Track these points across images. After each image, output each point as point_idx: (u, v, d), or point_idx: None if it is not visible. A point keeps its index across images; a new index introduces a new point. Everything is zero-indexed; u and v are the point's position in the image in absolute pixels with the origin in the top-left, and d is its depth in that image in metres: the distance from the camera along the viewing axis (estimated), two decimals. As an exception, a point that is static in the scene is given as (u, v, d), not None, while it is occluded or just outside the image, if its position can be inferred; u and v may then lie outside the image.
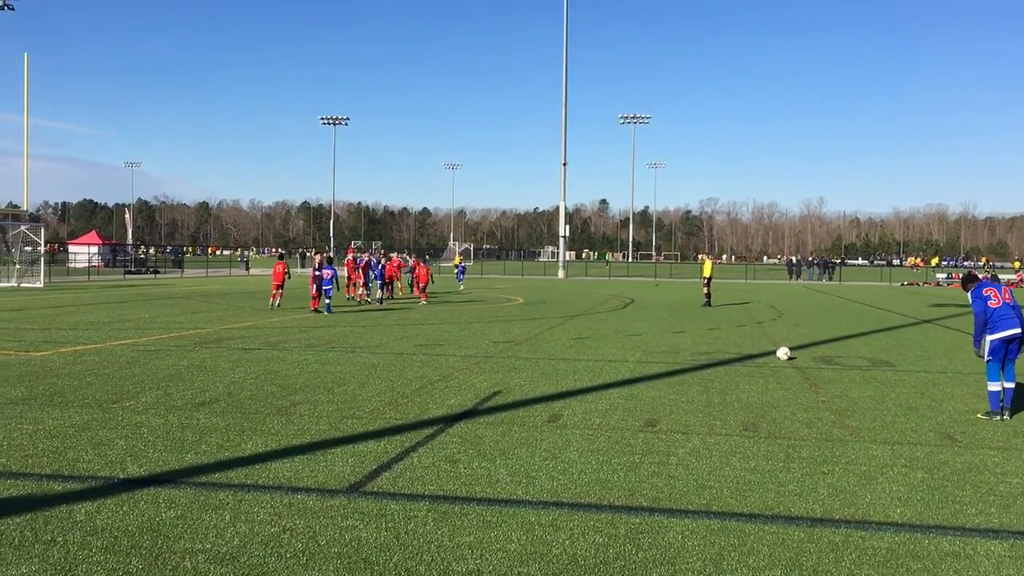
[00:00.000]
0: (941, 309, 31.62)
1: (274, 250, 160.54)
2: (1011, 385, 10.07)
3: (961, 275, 10.75)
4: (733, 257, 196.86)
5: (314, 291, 25.65)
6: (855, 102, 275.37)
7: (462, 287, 44.05)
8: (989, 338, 9.88)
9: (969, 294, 10.11)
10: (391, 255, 37.81)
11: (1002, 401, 9.92)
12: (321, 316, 23.66)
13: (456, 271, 48.00)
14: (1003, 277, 64.22)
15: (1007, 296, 9.91)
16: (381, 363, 13.96)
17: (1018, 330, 9.77)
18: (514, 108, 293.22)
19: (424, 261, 35.94)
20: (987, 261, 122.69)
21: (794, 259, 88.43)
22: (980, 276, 10.55)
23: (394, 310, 26.95)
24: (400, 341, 17.41)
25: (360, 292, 30.89)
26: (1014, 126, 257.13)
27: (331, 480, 6.92)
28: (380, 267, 31.24)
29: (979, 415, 10.11)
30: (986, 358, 9.95)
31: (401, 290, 35.99)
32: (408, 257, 41.71)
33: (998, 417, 9.86)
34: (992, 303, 9.84)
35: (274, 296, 26.89)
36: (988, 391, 10.02)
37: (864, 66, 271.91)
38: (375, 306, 28.68)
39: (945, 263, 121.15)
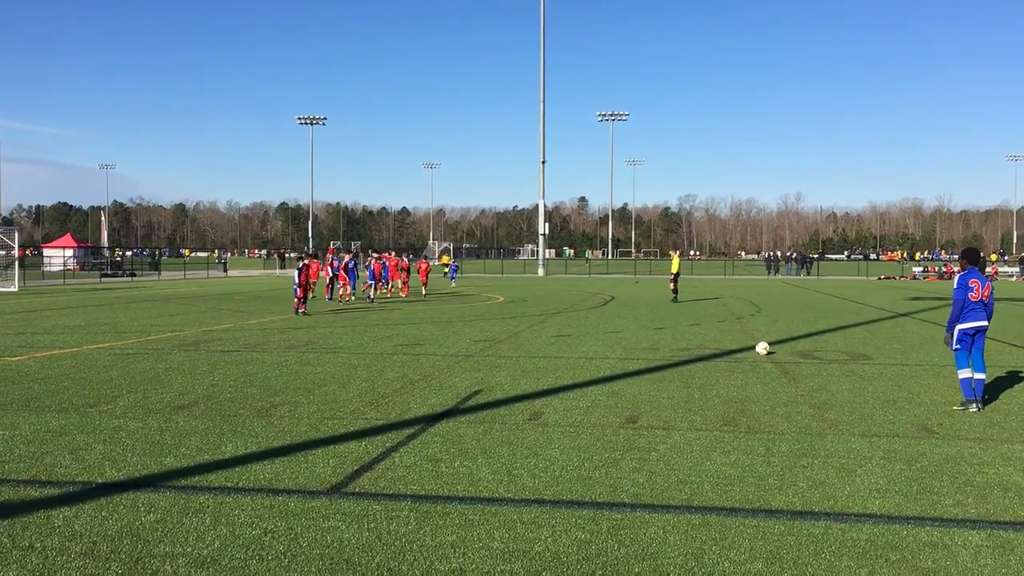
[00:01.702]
0: (917, 303, 31.93)
1: (271, 251, 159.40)
2: (981, 376, 10.26)
3: (962, 249, 10.87)
4: (697, 253, 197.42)
5: (342, 284, 28.23)
6: (831, 98, 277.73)
7: (454, 284, 44.92)
8: (959, 327, 10.17)
9: (956, 279, 10.29)
10: (383, 254, 37.97)
11: (974, 390, 10.10)
12: (300, 318, 23.55)
13: (449, 270, 48.65)
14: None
15: (986, 295, 10.13)
16: (361, 363, 13.92)
17: (985, 323, 10.12)
18: (492, 107, 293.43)
19: (426, 258, 38.06)
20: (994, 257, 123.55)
21: (772, 254, 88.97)
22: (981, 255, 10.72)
23: (371, 311, 26.86)
24: (380, 341, 17.37)
25: (346, 292, 30.83)
26: (988, 120, 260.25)
27: (312, 481, 6.89)
28: (370, 267, 31.68)
29: (955, 407, 10.22)
30: (954, 347, 10.26)
31: (404, 289, 36.16)
32: (407, 256, 41.98)
33: (973, 407, 10.01)
34: (972, 296, 10.07)
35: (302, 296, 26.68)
36: (959, 379, 10.28)
37: (839, 62, 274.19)
38: (358, 305, 28.58)
39: (934, 256, 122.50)
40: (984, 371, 10.36)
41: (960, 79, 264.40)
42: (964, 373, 10.16)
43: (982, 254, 10.52)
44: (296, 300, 24.62)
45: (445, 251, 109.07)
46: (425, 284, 37.27)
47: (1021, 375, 12.95)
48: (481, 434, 8.66)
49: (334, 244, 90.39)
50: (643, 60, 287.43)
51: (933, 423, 9.36)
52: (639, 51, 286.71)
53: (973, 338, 10.19)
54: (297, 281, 24.53)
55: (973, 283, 10.11)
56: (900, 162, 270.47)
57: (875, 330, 20.50)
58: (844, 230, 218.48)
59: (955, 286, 10.24)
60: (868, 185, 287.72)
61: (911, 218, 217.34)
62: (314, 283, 27.60)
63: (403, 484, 6.81)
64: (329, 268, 31.66)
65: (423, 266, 37.93)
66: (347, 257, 31.98)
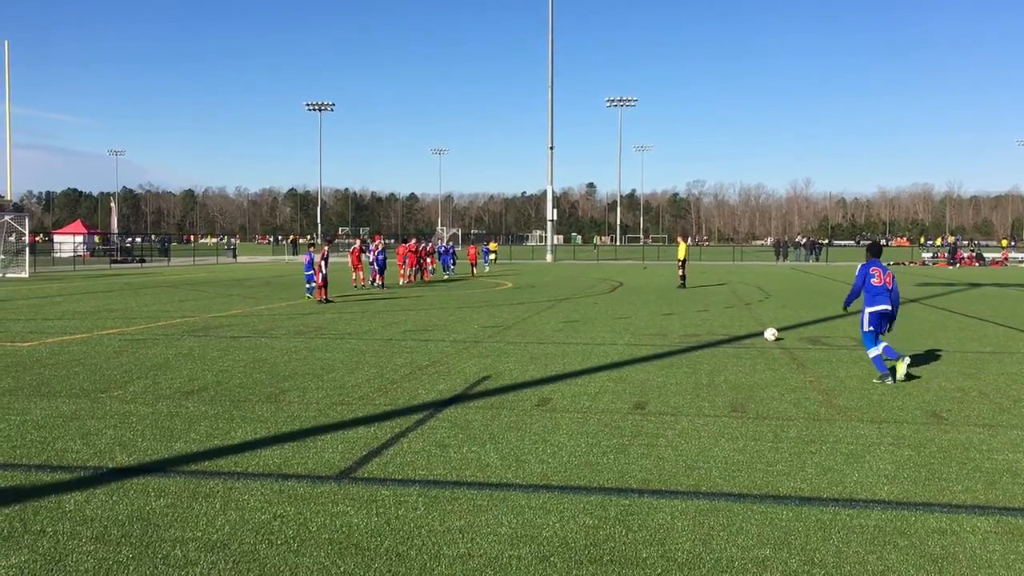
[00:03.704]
0: (927, 288, 31.79)
1: (307, 237, 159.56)
2: (889, 358, 11.09)
3: (869, 243, 12.00)
4: (707, 239, 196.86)
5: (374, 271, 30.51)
6: (841, 83, 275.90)
7: (488, 269, 46.26)
8: (868, 310, 11.16)
9: (859, 268, 11.44)
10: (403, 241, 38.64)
11: (886, 359, 11.07)
12: (310, 303, 23.61)
13: (482, 254, 49.03)
14: (987, 255, 64.69)
15: (888, 280, 11.21)
16: (370, 349, 13.94)
17: (888, 307, 11.11)
18: (501, 93, 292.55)
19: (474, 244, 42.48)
20: (971, 241, 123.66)
21: (781, 240, 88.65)
22: (882, 245, 12.01)
23: (379, 298, 26.91)
24: (389, 327, 17.40)
25: (408, 274, 34.05)
26: (1000, 105, 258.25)
27: (321, 466, 6.92)
28: (382, 254, 32.51)
29: (874, 380, 10.92)
30: (865, 328, 11.22)
31: (424, 275, 36.62)
32: (422, 243, 42.28)
33: (889, 380, 10.80)
34: (874, 281, 11.17)
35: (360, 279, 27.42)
36: (871, 358, 11.18)
37: (850, 47, 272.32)
38: (367, 292, 28.66)
39: (956, 240, 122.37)
40: (889, 345, 11.30)
41: (971, 64, 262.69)
42: (874, 352, 11.09)
43: (882, 248, 11.91)
44: (318, 288, 24.27)
45: (452, 237, 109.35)
46: (474, 266, 43.73)
47: (1031, 361, 12.89)
48: (489, 420, 8.68)
49: (341, 231, 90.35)
50: (652, 45, 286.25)
51: (942, 409, 9.34)
52: (648, 36, 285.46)
53: (880, 321, 11.16)
54: (312, 268, 24.54)
55: (874, 271, 11.22)
56: (910, 147, 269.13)
57: (884, 316, 20.41)
58: (853, 216, 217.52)
59: (856, 274, 11.45)
60: (878, 170, 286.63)
61: (921, 204, 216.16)
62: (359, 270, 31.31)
63: (411, 469, 6.84)
64: (352, 258, 32.35)
65: (472, 250, 45.43)
66: (381, 246, 33.44)
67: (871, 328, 11.11)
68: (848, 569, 4.88)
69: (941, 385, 10.86)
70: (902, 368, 10.85)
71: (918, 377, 11.36)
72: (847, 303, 11.71)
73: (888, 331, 11.34)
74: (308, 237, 73.04)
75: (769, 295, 28.14)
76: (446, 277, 39.60)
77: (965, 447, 7.69)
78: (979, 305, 23.61)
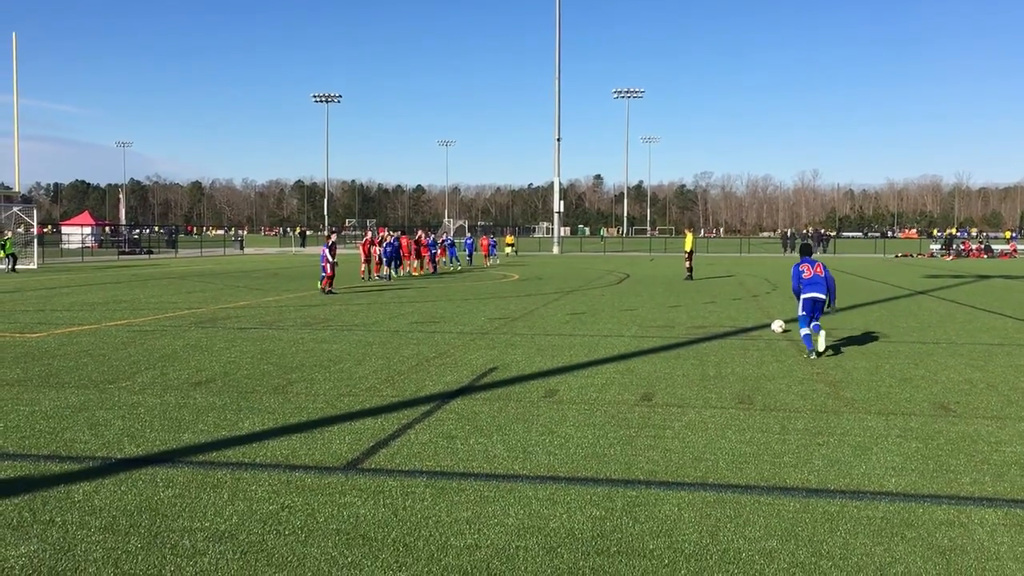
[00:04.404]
0: (935, 280, 31.69)
1: (327, 229, 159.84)
2: (816, 323, 12.69)
3: (800, 244, 14.17)
4: (715, 230, 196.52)
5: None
6: (848, 73, 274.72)
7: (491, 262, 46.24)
8: (802, 297, 12.71)
9: (792, 267, 13.18)
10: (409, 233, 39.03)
11: (812, 332, 12.58)
12: (318, 295, 23.65)
13: (489, 246, 48.78)
14: (996, 248, 64.38)
15: (819, 271, 12.80)
16: (377, 341, 13.96)
17: (820, 294, 12.58)
18: (507, 84, 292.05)
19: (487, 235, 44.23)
20: (980, 232, 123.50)
21: (789, 232, 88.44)
22: (811, 246, 14.14)
23: (386, 289, 26.92)
24: (396, 319, 17.41)
25: (415, 265, 35.06)
26: (1008, 96, 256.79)
27: (329, 458, 6.94)
28: (395, 245, 33.13)
29: (804, 355, 12.41)
30: (799, 312, 12.73)
31: (429, 267, 36.69)
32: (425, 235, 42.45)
33: (813, 355, 12.29)
34: (805, 275, 12.78)
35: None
36: (801, 336, 12.72)
37: (857, 37, 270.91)
38: (374, 285, 28.68)
39: (961, 233, 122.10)
40: (819, 324, 12.76)
41: (979, 54, 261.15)
42: (804, 331, 12.66)
43: (812, 247, 14.17)
44: (326, 278, 24.51)
45: (459, 229, 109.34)
46: (487, 257, 47.37)
47: (1040, 353, 12.85)
48: (496, 411, 8.68)
49: (348, 222, 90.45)
50: (659, 37, 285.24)
51: (950, 401, 9.32)
52: (655, 27, 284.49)
53: (813, 305, 12.64)
54: (328, 259, 24.67)
55: (803, 267, 12.91)
56: (918, 139, 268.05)
57: (892, 308, 20.38)
58: (861, 207, 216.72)
59: (791, 275, 13.15)
60: (886, 162, 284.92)
61: (929, 195, 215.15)
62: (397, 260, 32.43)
63: (419, 461, 6.85)
64: (364, 249, 32.49)
65: (484, 241, 48.72)
66: (390, 238, 33.73)
67: (803, 312, 12.68)
68: (855, 561, 4.88)
69: (949, 377, 10.83)
70: (819, 340, 12.45)
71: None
72: (797, 296, 12.95)
73: (830, 309, 12.85)
74: (332, 228, 73.17)
75: (776, 287, 28.08)
76: (451, 269, 39.65)
77: (973, 439, 7.67)
78: (987, 297, 23.52)
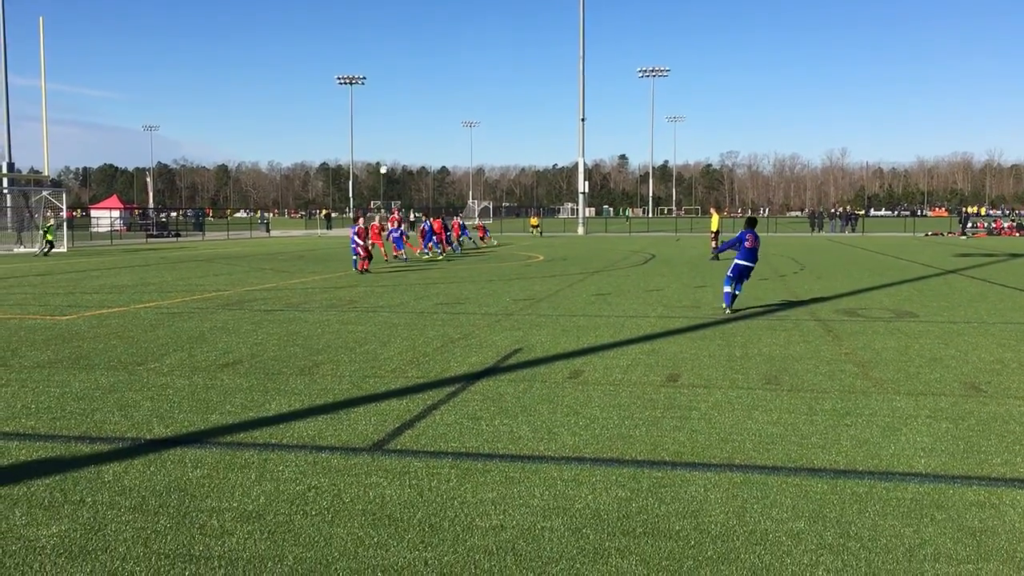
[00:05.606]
0: (966, 259, 31.26)
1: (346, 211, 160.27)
2: (738, 293, 15.46)
3: (747, 217, 16.24)
4: (739, 210, 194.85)
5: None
6: (878, 50, 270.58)
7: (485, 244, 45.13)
8: (736, 262, 15.10)
9: (738, 233, 15.34)
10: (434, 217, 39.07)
11: (734, 300, 15.20)
12: (349, 275, 23.76)
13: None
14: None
15: (756, 244, 15.28)
16: (402, 322, 14.00)
17: (752, 264, 15.23)
18: (531, 64, 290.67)
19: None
20: (1014, 210, 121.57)
21: (816, 211, 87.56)
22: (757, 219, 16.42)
23: (411, 270, 26.97)
24: (420, 300, 17.45)
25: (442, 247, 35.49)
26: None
27: (355, 439, 6.97)
28: (430, 227, 34.43)
29: (719, 306, 15.05)
30: (729, 274, 15.22)
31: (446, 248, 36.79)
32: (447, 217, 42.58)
33: (728, 311, 14.74)
34: (747, 244, 15.11)
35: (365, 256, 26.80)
36: (724, 292, 15.20)
37: (887, 13, 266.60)
38: (398, 265, 28.76)
39: (1001, 211, 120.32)
40: (740, 290, 15.54)
41: (1010, 28, 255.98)
42: (727, 288, 15.05)
43: (756, 220, 16.32)
44: (362, 259, 25.08)
45: (484, 211, 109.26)
46: (483, 238, 47.55)
47: (1073, 333, 12.64)
48: (521, 392, 8.68)
49: (373, 204, 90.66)
50: (684, 15, 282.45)
51: (981, 381, 9.19)
52: (680, 5, 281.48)
53: (742, 272, 15.12)
54: (357, 241, 25.14)
55: (748, 237, 15.19)
56: (949, 116, 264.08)
57: (922, 287, 20.13)
58: (891, 186, 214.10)
59: (736, 236, 15.49)
60: (915, 140, 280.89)
61: (960, 173, 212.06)
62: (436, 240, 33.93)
63: (444, 442, 6.86)
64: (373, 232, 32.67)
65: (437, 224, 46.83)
66: (397, 222, 34.80)
67: (732, 275, 15.13)
68: (884, 542, 4.83)
69: (980, 357, 10.68)
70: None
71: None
72: (718, 251, 15.26)
73: (746, 279, 15.50)
74: (360, 210, 73.30)
75: (804, 267, 27.82)
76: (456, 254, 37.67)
77: (1005, 420, 7.56)
78: (1019, 276, 23.17)
